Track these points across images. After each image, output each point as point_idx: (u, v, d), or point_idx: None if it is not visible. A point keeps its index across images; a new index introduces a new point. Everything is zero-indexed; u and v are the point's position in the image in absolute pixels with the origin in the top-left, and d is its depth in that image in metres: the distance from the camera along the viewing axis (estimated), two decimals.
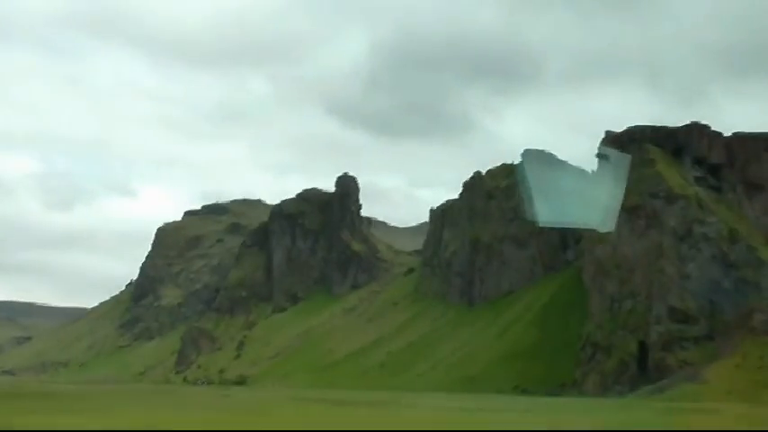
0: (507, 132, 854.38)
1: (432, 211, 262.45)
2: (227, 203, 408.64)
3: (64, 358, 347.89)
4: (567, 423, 54.07)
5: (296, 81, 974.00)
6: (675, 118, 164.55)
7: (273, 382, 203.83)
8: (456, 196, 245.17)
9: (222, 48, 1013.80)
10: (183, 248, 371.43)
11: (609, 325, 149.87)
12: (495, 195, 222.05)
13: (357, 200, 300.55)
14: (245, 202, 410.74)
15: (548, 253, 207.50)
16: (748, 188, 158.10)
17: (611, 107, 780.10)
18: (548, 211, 16.95)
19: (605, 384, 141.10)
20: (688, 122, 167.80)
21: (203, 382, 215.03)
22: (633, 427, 47.81)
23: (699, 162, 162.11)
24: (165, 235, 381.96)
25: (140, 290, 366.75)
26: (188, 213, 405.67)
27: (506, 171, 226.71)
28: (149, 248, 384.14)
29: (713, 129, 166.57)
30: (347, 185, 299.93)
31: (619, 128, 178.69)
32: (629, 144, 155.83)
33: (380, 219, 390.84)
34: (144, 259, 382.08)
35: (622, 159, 17.84)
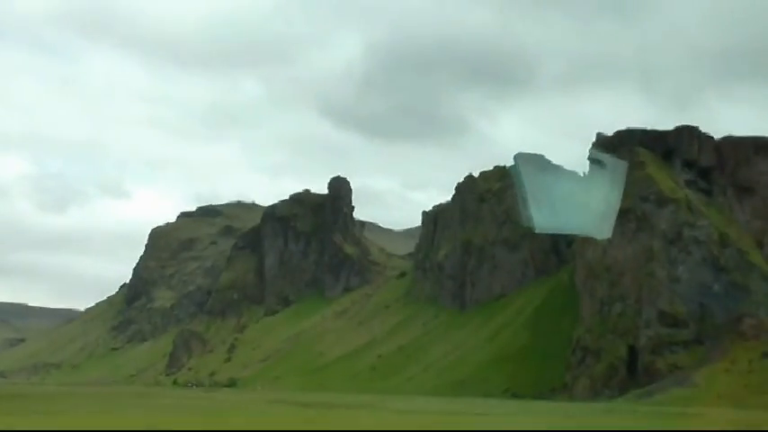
0: (501, 135, 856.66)
1: (424, 213, 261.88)
2: (220, 206, 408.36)
3: (56, 360, 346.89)
4: (531, 425, 53.51)
5: (290, 83, 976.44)
6: (669, 122, 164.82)
7: (264, 384, 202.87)
8: (449, 199, 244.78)
9: (216, 49, 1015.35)
10: (177, 251, 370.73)
11: (599, 329, 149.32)
12: (487, 198, 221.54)
13: (350, 202, 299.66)
14: (238, 204, 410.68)
15: (539, 256, 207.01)
16: (738, 191, 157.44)
17: (605, 111, 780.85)
18: (543, 216, 16.54)
19: (595, 388, 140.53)
20: (678, 125, 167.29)
21: (193, 385, 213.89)
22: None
23: (689, 165, 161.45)
24: (159, 237, 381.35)
25: (133, 292, 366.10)
26: (182, 215, 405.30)
27: (499, 174, 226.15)
28: (143, 250, 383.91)
29: (704, 132, 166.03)
30: (340, 188, 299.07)
31: (612, 132, 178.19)
32: (619, 147, 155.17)
33: (374, 221, 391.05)
34: (137, 261, 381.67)
35: (618, 165, 17.48)
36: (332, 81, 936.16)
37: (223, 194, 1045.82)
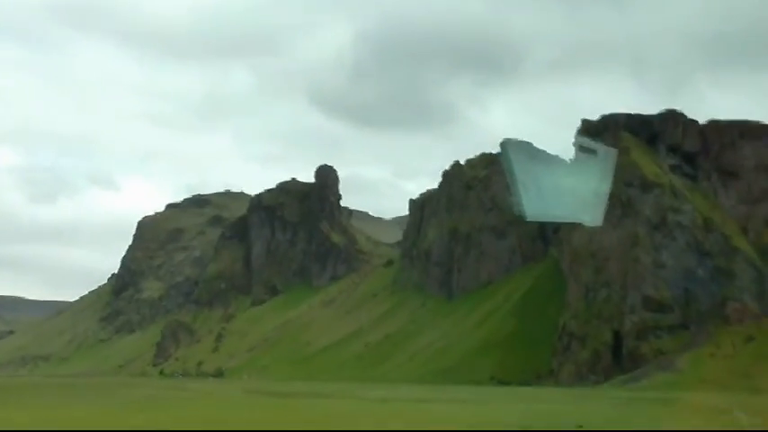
0: (492, 122, 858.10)
1: (411, 201, 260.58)
2: (209, 195, 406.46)
3: (45, 352, 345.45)
4: (494, 412, 52.84)
5: (279, 72, 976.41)
6: (660, 109, 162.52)
7: (251, 374, 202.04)
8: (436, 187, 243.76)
9: (205, 40, 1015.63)
10: (165, 241, 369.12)
11: (584, 314, 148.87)
12: (473, 186, 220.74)
13: (336, 191, 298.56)
14: (227, 194, 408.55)
15: (526, 243, 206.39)
16: (723, 176, 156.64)
17: (595, 98, 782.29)
18: (532, 204, 16.03)
19: (580, 374, 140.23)
20: (662, 110, 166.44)
21: (179, 375, 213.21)
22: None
23: (673, 150, 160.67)
24: (147, 228, 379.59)
25: (121, 283, 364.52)
26: (170, 206, 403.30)
27: (485, 161, 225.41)
28: (131, 241, 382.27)
29: (688, 116, 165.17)
30: (326, 176, 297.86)
31: (597, 117, 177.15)
32: (604, 132, 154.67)
33: (366, 211, 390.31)
34: (125, 252, 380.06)
35: (609, 153, 17.14)
36: (322, 70, 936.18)
37: (214, 185, 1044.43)
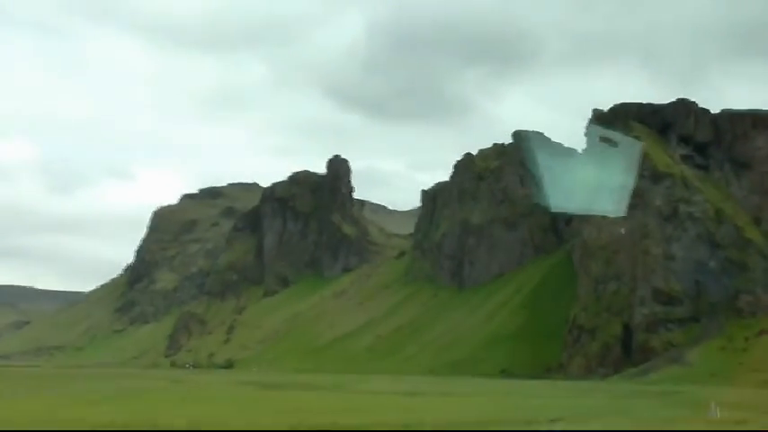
0: (506, 114, 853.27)
1: (423, 193, 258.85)
2: (223, 187, 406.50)
3: (60, 343, 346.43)
4: (477, 407, 51.71)
5: (293, 64, 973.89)
6: (672, 99, 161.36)
7: (261, 366, 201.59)
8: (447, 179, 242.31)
9: (219, 31, 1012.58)
10: (179, 232, 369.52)
11: (594, 307, 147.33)
12: (485, 177, 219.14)
13: (348, 182, 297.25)
14: (241, 185, 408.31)
15: (538, 235, 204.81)
16: (736, 166, 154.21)
17: (608, 89, 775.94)
18: (557, 196, 15.45)
19: (589, 367, 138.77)
20: (674, 100, 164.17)
21: (190, 366, 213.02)
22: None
23: (685, 140, 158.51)
24: (161, 219, 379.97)
25: (136, 274, 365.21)
26: (184, 197, 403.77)
27: (497, 152, 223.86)
28: (145, 233, 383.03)
29: (700, 106, 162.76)
30: (338, 168, 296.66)
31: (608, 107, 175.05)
32: (614, 122, 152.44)
33: (381, 203, 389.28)
34: (140, 243, 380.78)
35: (632, 144, 16.49)
36: (336, 62, 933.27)
37: (227, 176, 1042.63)
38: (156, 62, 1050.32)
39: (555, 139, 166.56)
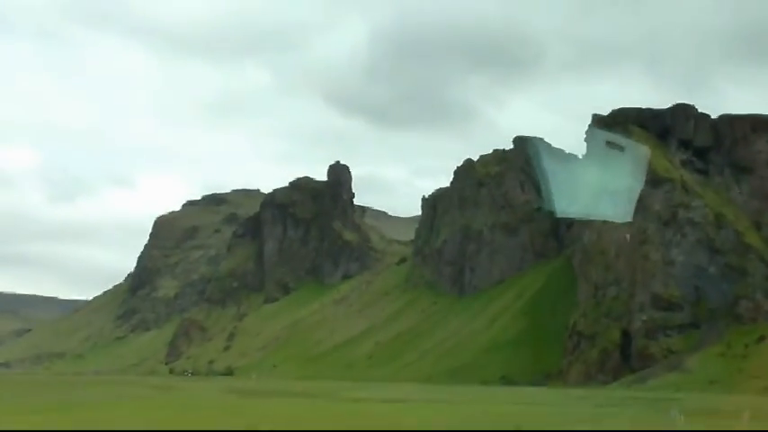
0: (509, 121, 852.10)
1: (424, 199, 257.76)
2: (226, 194, 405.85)
3: (61, 350, 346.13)
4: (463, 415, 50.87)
5: (295, 70, 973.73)
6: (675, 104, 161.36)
7: (261, 373, 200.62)
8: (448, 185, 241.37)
9: (221, 38, 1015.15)
10: (181, 239, 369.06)
11: (593, 313, 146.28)
12: (485, 183, 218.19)
13: (349, 189, 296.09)
14: (244, 192, 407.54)
15: (539, 240, 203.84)
16: (736, 171, 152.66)
17: (611, 95, 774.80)
18: (562, 201, 14.98)
19: (589, 374, 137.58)
20: (673, 104, 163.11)
21: (189, 373, 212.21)
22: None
23: (685, 144, 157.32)
24: (162, 226, 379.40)
25: (138, 281, 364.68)
26: (186, 204, 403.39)
27: (498, 158, 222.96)
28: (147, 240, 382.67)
29: (700, 110, 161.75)
30: (339, 174, 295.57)
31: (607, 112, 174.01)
32: (614, 126, 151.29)
33: (382, 209, 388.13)
34: (141, 250, 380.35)
35: (639, 149, 16.15)
36: (338, 68, 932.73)
37: (230, 183, 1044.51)
38: (157, 69, 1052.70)
39: (556, 144, 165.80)
